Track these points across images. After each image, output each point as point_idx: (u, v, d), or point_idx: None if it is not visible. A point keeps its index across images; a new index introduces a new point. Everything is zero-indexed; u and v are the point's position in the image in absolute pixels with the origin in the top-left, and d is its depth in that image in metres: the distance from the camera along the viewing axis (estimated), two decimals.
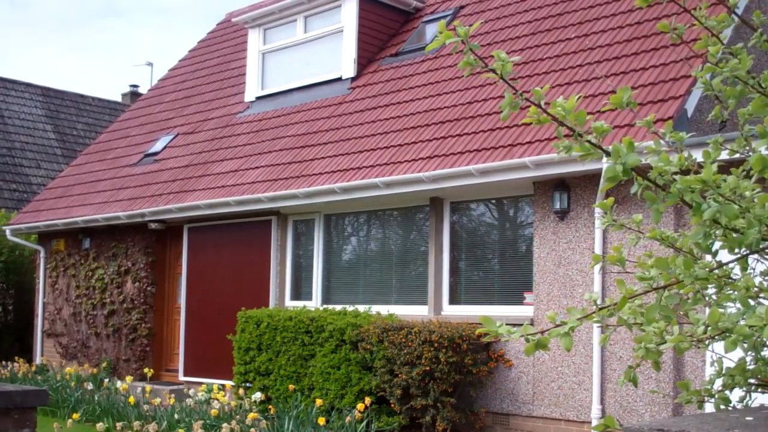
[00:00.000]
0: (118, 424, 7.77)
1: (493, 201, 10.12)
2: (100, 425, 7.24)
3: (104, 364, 14.15)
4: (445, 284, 10.21)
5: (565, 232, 9.01)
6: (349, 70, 12.78)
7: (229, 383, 11.20)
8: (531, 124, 1.90)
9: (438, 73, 11.60)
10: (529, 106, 2.01)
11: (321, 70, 13.14)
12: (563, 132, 1.91)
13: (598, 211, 8.68)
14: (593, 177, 8.72)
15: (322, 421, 7.34)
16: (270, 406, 8.74)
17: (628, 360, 8.40)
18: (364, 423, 7.85)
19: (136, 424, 7.28)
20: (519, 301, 9.53)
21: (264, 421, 7.68)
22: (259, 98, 14.03)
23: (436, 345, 8.74)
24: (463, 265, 10.28)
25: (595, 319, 1.82)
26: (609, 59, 9.58)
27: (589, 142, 1.81)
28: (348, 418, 7.61)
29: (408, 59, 12.44)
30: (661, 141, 2.08)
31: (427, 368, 8.71)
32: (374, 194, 10.38)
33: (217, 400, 9.08)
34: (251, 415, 7.69)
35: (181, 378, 13.11)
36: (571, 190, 9.00)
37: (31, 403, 4.28)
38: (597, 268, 8.61)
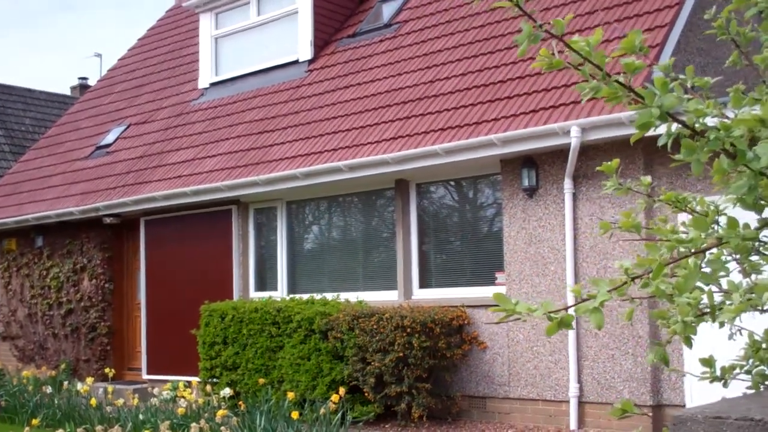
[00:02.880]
0: (80, 429, 7.39)
1: (460, 181, 9.89)
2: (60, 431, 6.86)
3: (63, 366, 13.67)
4: (414, 268, 9.97)
5: (534, 209, 8.82)
6: (305, 52, 12.43)
7: (195, 380, 10.85)
8: (542, 69, 1.63)
9: (397, 52, 11.32)
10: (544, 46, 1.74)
11: (277, 54, 12.77)
12: (588, 72, 1.64)
13: (567, 186, 8.52)
14: (561, 153, 8.55)
15: (295, 415, 7.05)
16: (240, 402, 8.43)
17: (603, 336, 8.26)
18: (339, 414, 7.58)
19: (99, 428, 6.92)
20: (491, 281, 9.33)
21: (234, 417, 7.37)
22: (213, 84, 13.61)
23: (408, 330, 8.50)
24: (431, 247, 10.05)
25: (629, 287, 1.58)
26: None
27: (617, 82, 1.56)
28: (322, 410, 7.34)
29: (366, 39, 12.13)
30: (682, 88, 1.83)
31: (401, 354, 8.48)
32: (338, 178, 10.08)
33: (184, 398, 8.73)
34: (220, 412, 7.37)
35: (145, 376, 12.71)
36: (539, 166, 8.81)
37: None
38: (569, 244, 8.44)
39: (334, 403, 7.63)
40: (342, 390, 8.09)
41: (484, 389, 9.08)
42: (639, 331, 8.02)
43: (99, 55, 23.99)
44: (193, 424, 6.76)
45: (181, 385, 9.45)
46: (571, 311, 1.65)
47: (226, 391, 8.99)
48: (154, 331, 12.66)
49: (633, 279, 1.57)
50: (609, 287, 1.56)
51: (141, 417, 8.45)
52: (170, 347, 12.29)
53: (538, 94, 8.81)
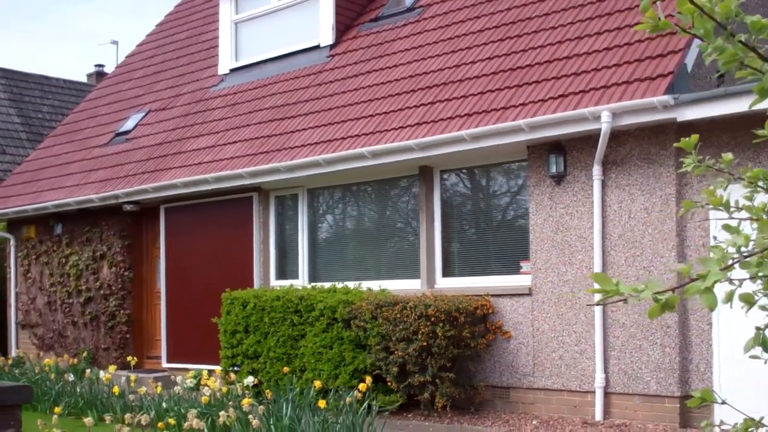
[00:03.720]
0: (106, 417, 7.33)
1: (486, 168, 9.74)
2: (88, 420, 6.80)
3: (83, 354, 13.66)
4: (437, 256, 9.84)
5: (561, 196, 8.67)
6: (327, 37, 12.29)
7: (216, 368, 10.79)
8: (650, 33, 1.50)
9: (421, 36, 11.16)
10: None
11: (297, 39, 12.63)
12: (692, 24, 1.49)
13: (595, 172, 8.35)
14: (590, 138, 8.39)
15: (322, 404, 6.96)
16: (266, 390, 8.35)
17: (631, 326, 8.12)
18: (365, 404, 7.48)
19: (128, 416, 6.85)
20: (516, 270, 9.19)
21: (260, 406, 7.29)
22: (233, 70, 13.50)
23: (432, 319, 8.39)
24: (455, 235, 9.92)
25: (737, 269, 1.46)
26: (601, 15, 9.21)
27: (741, 42, 1.43)
28: (348, 399, 7.24)
29: (389, 24, 11.97)
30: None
31: (424, 343, 8.37)
32: (361, 165, 9.95)
33: (207, 386, 8.66)
34: (246, 401, 7.29)
35: (164, 365, 12.67)
36: (567, 152, 8.66)
37: (13, 401, 3.97)
38: (597, 233, 8.29)
39: (360, 392, 7.53)
40: (369, 379, 7.99)
41: (508, 379, 8.97)
42: (667, 321, 7.87)
43: (115, 43, 23.86)
44: (222, 413, 6.68)
45: (204, 373, 9.39)
46: (677, 292, 1.53)
47: (250, 380, 8.92)
48: (173, 320, 12.61)
49: (746, 257, 1.45)
50: (719, 266, 1.43)
51: (164, 405, 8.39)
52: (190, 336, 12.24)
53: (567, 79, 8.64)
